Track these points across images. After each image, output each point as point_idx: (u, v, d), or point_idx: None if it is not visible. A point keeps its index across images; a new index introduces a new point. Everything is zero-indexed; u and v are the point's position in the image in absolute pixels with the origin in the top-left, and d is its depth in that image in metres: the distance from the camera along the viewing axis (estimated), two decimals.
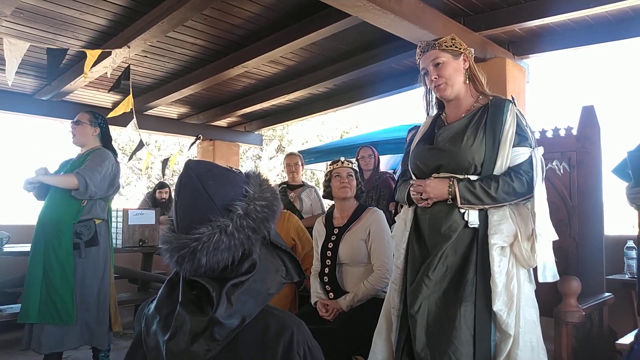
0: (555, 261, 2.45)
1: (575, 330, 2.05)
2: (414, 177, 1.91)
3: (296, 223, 3.20)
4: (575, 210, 2.47)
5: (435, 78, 1.82)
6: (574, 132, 2.53)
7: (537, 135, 2.60)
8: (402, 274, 1.87)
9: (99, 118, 3.16)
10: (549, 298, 2.30)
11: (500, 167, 1.72)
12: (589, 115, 2.50)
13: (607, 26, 3.40)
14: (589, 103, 2.54)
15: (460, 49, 1.82)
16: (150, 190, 6.46)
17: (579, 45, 3.56)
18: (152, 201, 5.68)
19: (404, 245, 1.87)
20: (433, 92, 1.92)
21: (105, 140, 3.18)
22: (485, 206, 1.69)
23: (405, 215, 1.90)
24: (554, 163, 2.53)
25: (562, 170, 2.52)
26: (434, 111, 1.99)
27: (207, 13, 3.40)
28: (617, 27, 3.36)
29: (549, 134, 2.59)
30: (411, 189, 1.81)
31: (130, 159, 5.54)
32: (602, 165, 2.49)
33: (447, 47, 1.81)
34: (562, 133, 2.56)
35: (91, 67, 3.65)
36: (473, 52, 1.89)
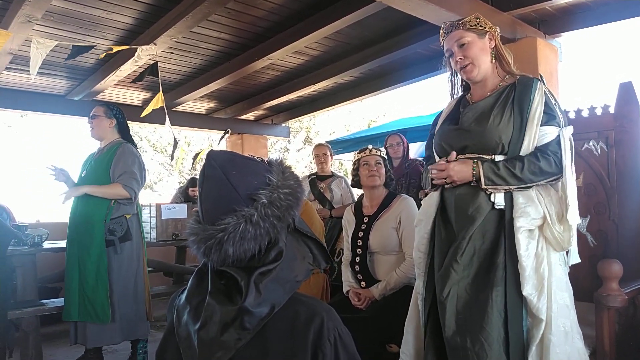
0: (594, 244, 2.38)
1: (617, 315, 1.98)
2: (438, 160, 1.87)
3: (309, 210, 3.13)
4: (614, 191, 2.37)
5: (461, 59, 1.76)
6: (611, 110, 2.43)
7: (572, 115, 2.51)
8: (425, 257, 1.84)
9: (114, 109, 3.20)
10: (588, 282, 2.23)
11: (527, 147, 1.66)
12: (627, 92, 2.39)
13: None
14: (627, 79, 2.43)
15: (485, 27, 1.76)
16: (182, 185, 6.55)
17: (614, 20, 3.40)
18: (185, 196, 5.76)
19: (429, 229, 1.83)
20: (458, 74, 1.86)
21: (124, 131, 3.23)
22: (511, 187, 1.64)
23: (430, 200, 1.86)
24: (591, 143, 2.44)
25: (599, 151, 2.42)
26: (459, 94, 1.94)
27: (231, 6, 3.40)
28: None
29: (585, 113, 2.50)
30: (433, 171, 1.77)
31: (172, 159, 5.64)
32: None
33: (471, 26, 1.75)
34: (599, 112, 2.47)
35: (120, 66, 3.71)
36: (499, 30, 1.82)
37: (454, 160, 1.72)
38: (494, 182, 1.65)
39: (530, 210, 1.63)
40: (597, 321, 1.88)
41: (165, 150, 14.04)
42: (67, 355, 3.40)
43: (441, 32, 1.84)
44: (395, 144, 3.98)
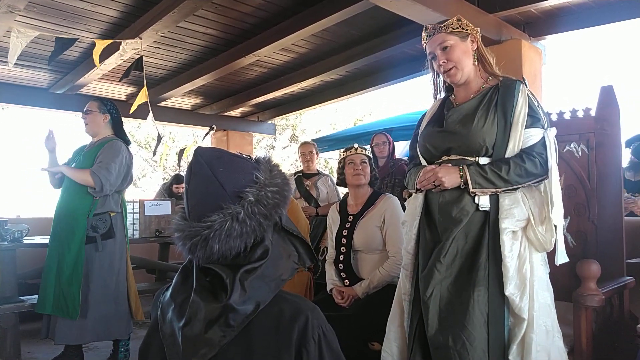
0: (573, 245, 2.43)
1: (594, 314, 2.02)
2: (422, 161, 1.89)
3: (294, 208, 3.14)
4: (593, 193, 2.42)
5: (444, 62, 1.78)
6: (593, 113, 2.47)
7: (555, 117, 2.55)
8: (412, 259, 1.86)
9: (108, 105, 3.16)
10: (567, 282, 2.27)
11: (512, 149, 1.68)
12: (608, 96, 2.44)
13: (627, 3, 3.30)
14: (608, 83, 2.47)
15: (467, 29, 1.78)
16: (165, 181, 6.50)
17: (598, 24, 3.46)
18: (168, 193, 5.72)
19: (415, 230, 1.85)
20: (441, 76, 1.88)
21: (117, 127, 3.19)
22: (498, 190, 1.67)
23: (415, 201, 1.89)
24: (572, 145, 2.48)
25: (580, 153, 2.47)
26: (442, 95, 1.96)
27: (218, 2, 3.38)
28: (636, 4, 3.27)
29: (567, 116, 2.53)
30: (421, 177, 1.79)
31: (154, 154, 5.59)
32: (621, 147, 2.44)
33: (453, 29, 1.77)
34: (580, 114, 2.51)
35: (104, 59, 3.66)
36: (480, 31, 1.84)
37: (443, 165, 1.75)
38: (481, 186, 1.67)
39: (516, 212, 1.66)
40: (575, 320, 1.92)
41: (150, 146, 13.90)
42: (46, 353, 3.35)
43: (423, 34, 1.85)
44: (381, 143, 4.00)
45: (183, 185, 5.76)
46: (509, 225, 1.64)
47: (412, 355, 1.79)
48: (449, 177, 1.71)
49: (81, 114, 3.15)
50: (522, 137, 1.68)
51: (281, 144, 15.14)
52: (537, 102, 1.74)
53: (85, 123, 3.12)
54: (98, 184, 2.90)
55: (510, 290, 1.60)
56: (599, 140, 2.42)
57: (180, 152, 5.85)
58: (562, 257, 1.72)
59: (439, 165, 1.76)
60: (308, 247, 1.11)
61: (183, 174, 7.01)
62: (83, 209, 2.93)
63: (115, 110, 3.18)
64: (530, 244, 1.66)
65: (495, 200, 1.69)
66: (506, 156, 1.69)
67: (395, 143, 4.24)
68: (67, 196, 3.00)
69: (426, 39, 1.83)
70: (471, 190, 1.68)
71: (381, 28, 3.96)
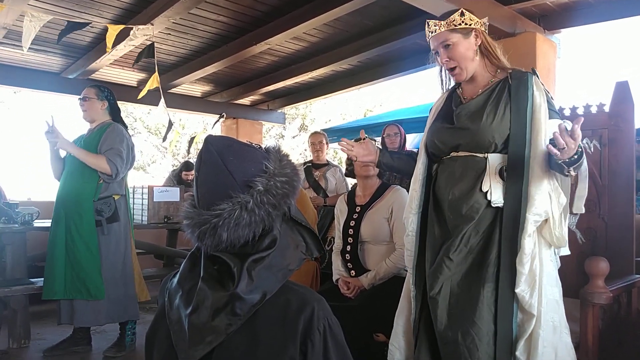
0: (582, 241, 2.41)
1: (602, 312, 2.01)
2: (423, 157, 1.90)
3: (302, 198, 3.14)
4: (605, 190, 2.40)
5: (447, 61, 1.75)
6: (606, 109, 2.44)
7: (568, 113, 2.52)
8: (413, 255, 1.86)
9: (105, 91, 3.17)
10: (575, 279, 2.26)
11: (542, 143, 1.62)
12: (622, 91, 2.40)
13: None
14: (624, 78, 2.43)
15: (470, 24, 1.71)
16: (175, 168, 6.53)
17: (614, 18, 3.40)
18: (177, 180, 5.75)
19: (414, 226, 1.86)
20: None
21: (115, 113, 3.20)
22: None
23: (414, 193, 1.89)
24: (584, 141, 2.45)
25: (592, 149, 2.44)
26: (450, 86, 1.94)
27: None
28: None
29: (580, 111, 2.50)
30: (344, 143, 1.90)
31: (164, 140, 5.61)
32: (634, 144, 2.41)
33: (455, 26, 1.71)
34: (594, 110, 2.47)
35: (114, 45, 3.66)
36: (486, 22, 1.78)
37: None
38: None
39: (541, 210, 1.60)
40: (581, 317, 1.91)
41: (159, 132, 13.95)
42: (55, 334, 3.40)
43: (426, 30, 1.80)
44: (393, 134, 3.98)
45: (192, 172, 5.83)
46: (535, 218, 1.60)
47: (417, 350, 1.79)
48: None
49: (78, 100, 3.15)
50: (548, 130, 1.62)
51: (290, 133, 15.12)
52: (548, 92, 1.72)
53: (84, 110, 3.13)
54: (114, 170, 2.95)
55: (521, 287, 1.58)
56: (612, 136, 2.39)
57: (191, 140, 5.88)
58: (564, 250, 1.70)
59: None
60: (316, 238, 1.11)
61: (192, 161, 7.04)
62: (88, 193, 2.96)
63: (112, 96, 3.20)
64: (543, 240, 1.64)
65: (517, 196, 1.63)
66: (539, 150, 1.62)
67: (406, 135, 4.22)
68: (71, 181, 3.01)
69: (429, 35, 1.80)
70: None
71: (394, 19, 3.93)
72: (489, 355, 1.61)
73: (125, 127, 3.19)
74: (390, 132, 4.00)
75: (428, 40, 1.82)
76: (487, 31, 1.78)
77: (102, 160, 2.94)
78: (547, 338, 1.59)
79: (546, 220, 1.62)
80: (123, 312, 3.05)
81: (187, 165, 5.81)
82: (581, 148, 1.49)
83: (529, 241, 1.60)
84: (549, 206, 1.62)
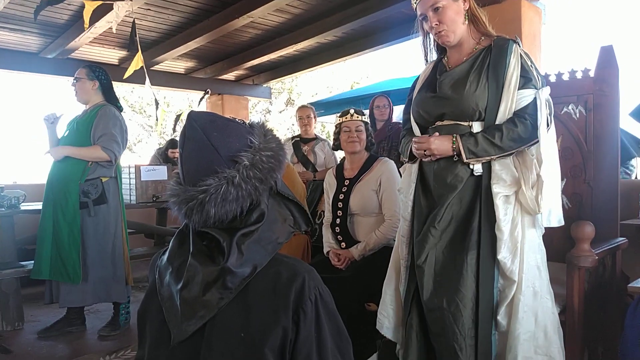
0: (569, 207, 2.44)
1: (587, 274, 2.05)
2: (415, 126, 1.88)
3: (290, 173, 3.12)
4: (590, 155, 2.42)
5: (436, 24, 1.73)
6: (591, 74, 2.44)
7: (553, 79, 2.52)
8: (409, 225, 1.87)
9: (97, 71, 3.12)
10: (562, 244, 2.30)
11: (504, 112, 1.66)
12: (607, 56, 2.40)
13: None
14: (608, 43, 2.43)
15: None
16: (161, 146, 6.46)
17: None
18: (164, 158, 5.70)
19: (411, 197, 1.86)
20: (431, 36, 1.84)
21: (107, 93, 3.16)
22: (493, 157, 1.66)
23: (410, 168, 1.89)
24: (570, 107, 2.46)
25: (577, 115, 2.45)
26: (433, 56, 1.93)
27: None
28: None
29: (565, 77, 2.50)
30: (414, 146, 1.78)
31: (157, 119, 5.54)
32: (619, 109, 2.42)
33: None
34: (579, 75, 2.47)
35: (93, 22, 3.56)
36: None
37: (435, 135, 1.73)
38: (475, 155, 1.66)
39: (506, 177, 1.66)
40: (568, 280, 1.95)
41: (144, 111, 13.76)
42: (48, 316, 3.41)
43: None
44: (382, 105, 3.96)
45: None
46: (500, 190, 1.65)
47: (409, 317, 1.82)
48: (442, 148, 1.71)
49: (70, 80, 3.11)
50: (514, 100, 1.66)
51: (277, 108, 15.00)
52: (531, 61, 1.70)
53: (75, 91, 3.10)
54: (112, 156, 2.98)
55: (503, 254, 1.62)
56: (597, 101, 2.40)
57: (177, 118, 5.80)
58: (555, 219, 1.71)
59: (431, 135, 1.75)
60: (303, 211, 1.12)
61: (178, 138, 6.95)
62: (75, 175, 2.95)
63: (104, 75, 3.14)
64: (522, 207, 1.67)
65: (487, 166, 1.69)
66: (498, 120, 1.67)
67: (393, 107, 4.20)
68: (60, 163, 3.00)
69: (417, 1, 1.78)
70: (465, 160, 1.67)
71: None
72: (472, 321, 1.65)
73: (119, 108, 3.15)
74: (379, 103, 3.99)
75: (414, 5, 1.79)
76: None
77: (97, 150, 2.95)
78: (527, 303, 1.63)
79: (520, 185, 1.65)
80: (111, 292, 3.06)
81: (172, 143, 5.75)
82: (458, 150, 1.66)
83: (502, 205, 1.63)
84: (514, 171, 1.66)
